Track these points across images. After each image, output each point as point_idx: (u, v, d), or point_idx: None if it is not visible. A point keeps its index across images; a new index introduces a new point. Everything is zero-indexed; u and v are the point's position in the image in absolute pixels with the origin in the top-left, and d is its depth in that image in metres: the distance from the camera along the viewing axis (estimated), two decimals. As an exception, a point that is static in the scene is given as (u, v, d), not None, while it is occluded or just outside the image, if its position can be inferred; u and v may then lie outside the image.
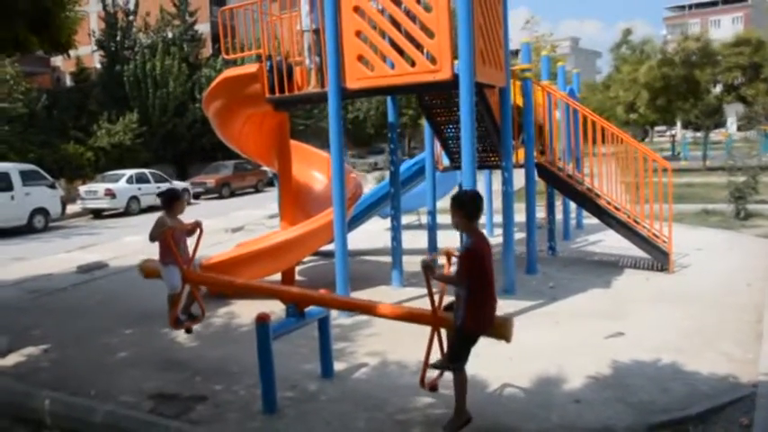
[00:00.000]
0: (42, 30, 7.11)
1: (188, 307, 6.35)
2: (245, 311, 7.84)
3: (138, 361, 6.38)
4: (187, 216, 6.50)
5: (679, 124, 52.31)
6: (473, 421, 4.49)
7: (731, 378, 5.29)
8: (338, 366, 5.80)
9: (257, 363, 4.97)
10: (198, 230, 6.11)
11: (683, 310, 7.26)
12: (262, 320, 4.83)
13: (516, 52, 12.83)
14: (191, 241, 6.27)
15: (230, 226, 16.37)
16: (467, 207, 4.40)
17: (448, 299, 4.72)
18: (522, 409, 4.87)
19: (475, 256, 4.31)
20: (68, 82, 42.07)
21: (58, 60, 39.71)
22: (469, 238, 4.44)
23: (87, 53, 37.21)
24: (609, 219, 9.53)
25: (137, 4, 36.51)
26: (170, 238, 5.88)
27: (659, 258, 9.30)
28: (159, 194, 6.91)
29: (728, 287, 8.23)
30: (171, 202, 6.25)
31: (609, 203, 9.58)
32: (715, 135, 49.83)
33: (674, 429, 4.49)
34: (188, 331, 6.77)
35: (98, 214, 23.50)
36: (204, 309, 6.49)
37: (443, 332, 4.72)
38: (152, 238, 6.09)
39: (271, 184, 30.34)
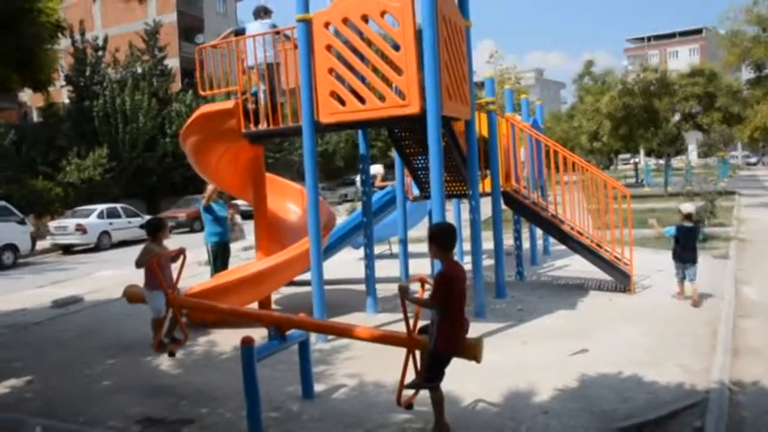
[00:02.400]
0: (24, 68, 7.35)
1: (171, 331, 6.60)
2: (225, 340, 8.03)
3: (123, 388, 6.53)
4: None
5: (642, 152, 53.71)
6: (449, 433, 4.78)
7: (687, 386, 5.69)
8: (318, 387, 6.04)
9: (240, 387, 5.17)
10: (182, 257, 6.39)
11: (644, 327, 7.68)
12: (247, 343, 5.07)
13: (482, 84, 13.35)
14: (174, 268, 6.53)
15: (203, 259, 16.44)
16: (438, 238, 4.76)
17: (422, 322, 5.03)
18: (494, 422, 5.17)
19: (447, 281, 4.63)
20: (35, 117, 41.83)
21: (24, 95, 39.55)
22: (443, 265, 4.76)
23: (55, 88, 37.13)
24: (573, 243, 9.97)
25: (105, 40, 36.72)
26: (156, 264, 6.15)
27: (621, 280, 9.74)
28: (144, 225, 7.23)
29: (686, 305, 8.70)
30: (156, 230, 6.55)
31: (572, 229, 10.02)
32: (677, 162, 51.37)
33: (634, 434, 4.84)
34: (171, 355, 6.98)
35: (68, 250, 23.37)
36: (187, 333, 6.71)
37: (417, 353, 5.02)
38: (138, 265, 6.35)
39: (244, 217, 30.52)
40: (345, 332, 5.64)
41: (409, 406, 5.07)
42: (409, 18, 6.95)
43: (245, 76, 8.62)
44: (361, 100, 7.36)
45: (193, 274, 13.06)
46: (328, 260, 11.59)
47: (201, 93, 9.40)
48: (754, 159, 77.44)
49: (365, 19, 7.26)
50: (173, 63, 40.75)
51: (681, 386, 5.70)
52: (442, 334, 4.66)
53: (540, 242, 13.81)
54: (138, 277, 7.62)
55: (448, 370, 4.82)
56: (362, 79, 7.42)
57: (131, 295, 6.66)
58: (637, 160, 58.28)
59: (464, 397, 5.63)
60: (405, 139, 9.73)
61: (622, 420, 5.01)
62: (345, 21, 7.35)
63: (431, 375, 4.77)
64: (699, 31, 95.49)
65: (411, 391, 5.08)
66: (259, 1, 8.83)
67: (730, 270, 10.86)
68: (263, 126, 8.36)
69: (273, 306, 9.71)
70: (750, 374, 6.02)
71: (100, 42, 36.45)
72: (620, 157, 74.56)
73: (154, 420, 5.59)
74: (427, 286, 4.97)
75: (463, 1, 8.49)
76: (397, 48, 7.09)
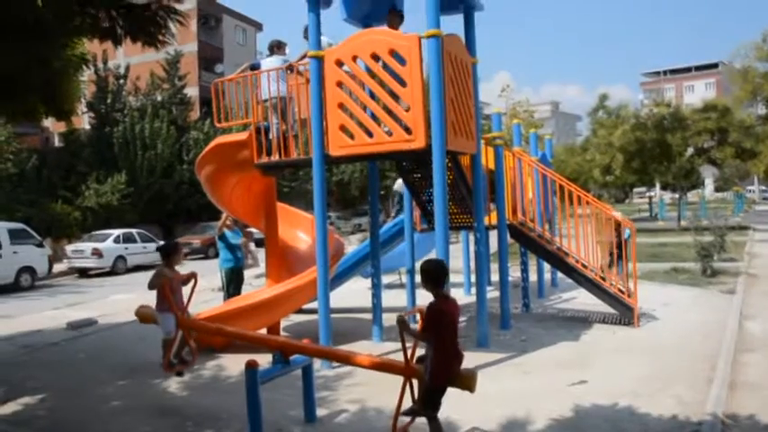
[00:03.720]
0: (50, 99, 7.72)
1: (180, 351, 6.85)
2: (232, 364, 8.24)
3: (132, 409, 6.75)
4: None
5: (658, 186, 53.66)
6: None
7: (681, 418, 5.80)
8: (321, 412, 6.22)
9: (245, 410, 5.38)
10: (193, 280, 6.67)
11: (644, 360, 7.79)
12: (251, 367, 5.28)
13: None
14: (185, 291, 6.80)
15: (217, 285, 16.69)
16: (428, 275, 4.96)
17: (421, 352, 5.21)
18: (489, 448, 5.31)
19: (436, 314, 4.82)
20: (57, 142, 42.68)
21: (46, 121, 40.42)
22: (433, 300, 4.94)
23: (77, 115, 37.91)
24: (577, 276, 10.10)
25: (127, 69, 37.59)
26: (167, 287, 6.43)
27: (625, 314, 9.84)
28: (158, 248, 7.55)
29: (688, 339, 8.78)
30: (169, 254, 6.84)
31: (577, 262, 10.17)
32: (693, 196, 51.27)
33: (624, 464, 4.96)
34: (179, 374, 7.23)
35: (84, 273, 23.75)
36: (196, 354, 6.95)
37: (415, 382, 5.20)
38: (151, 287, 6.64)
39: (257, 244, 30.97)
40: (346, 359, 5.82)
41: None
42: (416, 56, 7.24)
43: (260, 107, 8.92)
44: (369, 134, 7.64)
45: (205, 300, 13.32)
46: (338, 288, 11.82)
47: (217, 125, 9.72)
48: (771, 194, 76.97)
49: (374, 57, 7.55)
50: (192, 92, 41.54)
51: (674, 418, 5.82)
52: (436, 366, 4.84)
53: (547, 275, 13.93)
54: (150, 300, 7.88)
55: (447, 398, 4.98)
56: (371, 114, 7.70)
57: (142, 315, 6.94)
58: (652, 194, 58.20)
59: (461, 424, 5.78)
60: (413, 172, 9.96)
61: (613, 450, 5.14)
62: (355, 58, 7.66)
63: (428, 407, 4.93)
64: (715, 66, 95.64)
65: (407, 419, 5.25)
66: (275, 34, 9.18)
67: (736, 305, 10.92)
68: (275, 157, 8.64)
69: (282, 332, 9.91)
70: (746, 408, 6.11)
71: (122, 71, 37.31)
72: (636, 190, 74.46)
73: (160, 440, 5.79)
74: None
75: (470, 39, 8.79)
76: (404, 84, 7.36)
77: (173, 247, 7.10)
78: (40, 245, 21.10)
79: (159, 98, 37.32)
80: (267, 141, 8.62)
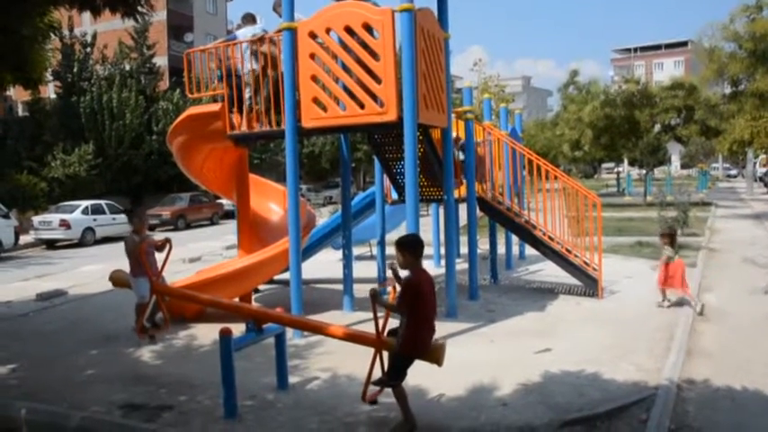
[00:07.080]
0: (18, 68, 7.64)
1: (153, 316, 6.96)
2: (204, 334, 8.33)
3: (106, 377, 6.82)
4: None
5: (626, 161, 54.41)
6: (411, 421, 5.11)
7: (640, 383, 6.07)
8: (293, 379, 6.36)
9: (218, 377, 5.51)
10: (167, 246, 6.76)
11: (606, 329, 8.07)
12: (225, 334, 5.39)
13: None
14: (160, 257, 6.89)
15: (188, 256, 16.70)
16: (407, 246, 5.05)
17: (393, 324, 5.36)
18: (455, 412, 5.52)
19: (413, 287, 4.95)
20: (21, 111, 41.75)
21: (10, 90, 39.43)
22: (411, 273, 5.05)
23: (42, 83, 37.07)
24: (544, 248, 10.35)
25: (94, 36, 36.76)
26: (143, 252, 6.51)
27: (590, 285, 10.12)
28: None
29: (649, 310, 9.10)
30: (131, 219, 7.02)
31: (544, 234, 10.40)
32: (660, 172, 52.10)
33: (584, 425, 5.21)
34: (152, 338, 7.34)
35: (51, 245, 23.47)
36: (168, 318, 7.05)
37: (385, 354, 5.36)
38: (129, 255, 6.75)
39: (227, 216, 30.78)
40: (319, 329, 5.96)
41: (373, 401, 5.41)
42: (389, 30, 7.31)
43: (238, 79, 8.84)
44: (342, 106, 7.70)
45: (178, 271, 13.33)
46: (309, 260, 11.93)
47: (189, 95, 9.68)
48: (734, 172, 78.53)
49: (348, 30, 7.59)
50: (161, 61, 40.86)
51: (634, 383, 6.08)
52: (407, 337, 4.99)
53: (516, 248, 14.19)
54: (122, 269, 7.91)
55: (417, 365, 5.15)
56: (344, 87, 7.75)
57: (117, 280, 7.02)
58: (620, 170, 59.01)
59: (430, 390, 5.97)
60: (385, 145, 10.05)
61: (574, 413, 5.37)
62: (329, 30, 7.69)
63: (394, 374, 5.10)
64: (684, 44, 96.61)
65: (376, 388, 5.41)
66: (246, 4, 9.14)
67: (695, 278, 11.28)
68: (247, 129, 8.64)
69: (254, 303, 10.00)
70: (700, 374, 6.41)
71: (89, 39, 36.47)
72: (605, 166, 75.46)
73: (135, 406, 5.89)
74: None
75: (442, 14, 8.85)
76: (376, 57, 7.42)
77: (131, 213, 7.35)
78: (6, 216, 20.79)
79: (127, 67, 36.62)
80: (240, 113, 8.62)
